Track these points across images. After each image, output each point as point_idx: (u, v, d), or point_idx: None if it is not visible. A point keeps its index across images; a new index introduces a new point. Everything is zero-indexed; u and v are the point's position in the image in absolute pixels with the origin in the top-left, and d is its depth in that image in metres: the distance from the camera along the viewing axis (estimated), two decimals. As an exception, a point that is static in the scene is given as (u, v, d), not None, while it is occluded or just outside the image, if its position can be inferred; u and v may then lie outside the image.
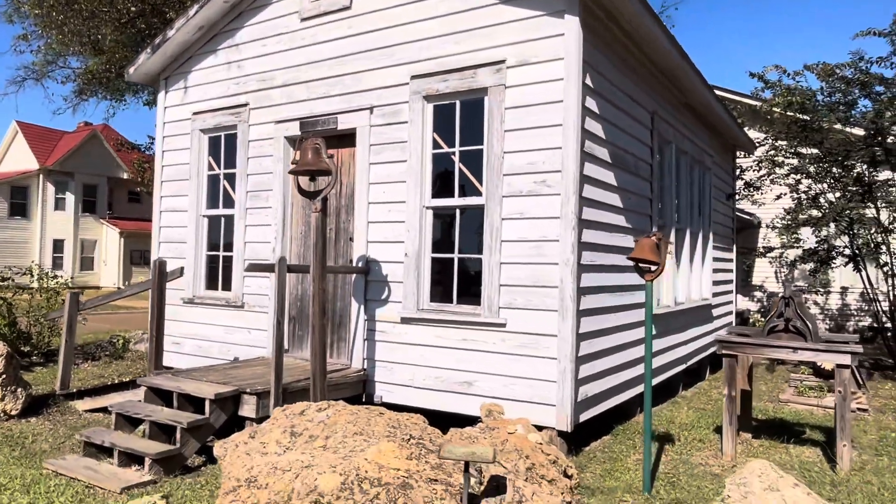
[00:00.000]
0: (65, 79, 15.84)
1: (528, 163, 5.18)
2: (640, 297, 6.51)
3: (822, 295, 15.15)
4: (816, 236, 10.21)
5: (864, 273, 10.38)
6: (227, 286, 7.07)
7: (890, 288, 9.98)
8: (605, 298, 5.63)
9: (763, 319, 15.24)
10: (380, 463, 2.77)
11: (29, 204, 30.58)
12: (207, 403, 4.88)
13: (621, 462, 5.03)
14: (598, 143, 5.48)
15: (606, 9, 5.40)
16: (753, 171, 11.18)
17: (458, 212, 5.66)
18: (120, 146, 20.83)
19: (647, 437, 4.33)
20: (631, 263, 6.15)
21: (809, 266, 10.57)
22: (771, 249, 12.33)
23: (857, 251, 10.22)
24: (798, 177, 10.28)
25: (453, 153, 5.66)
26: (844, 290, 15.14)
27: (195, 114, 7.33)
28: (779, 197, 11.76)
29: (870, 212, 9.69)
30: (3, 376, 5.86)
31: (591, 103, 5.32)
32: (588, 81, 5.21)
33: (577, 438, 5.42)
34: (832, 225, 9.70)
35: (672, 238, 7.49)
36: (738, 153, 11.96)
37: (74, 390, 6.63)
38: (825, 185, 10.22)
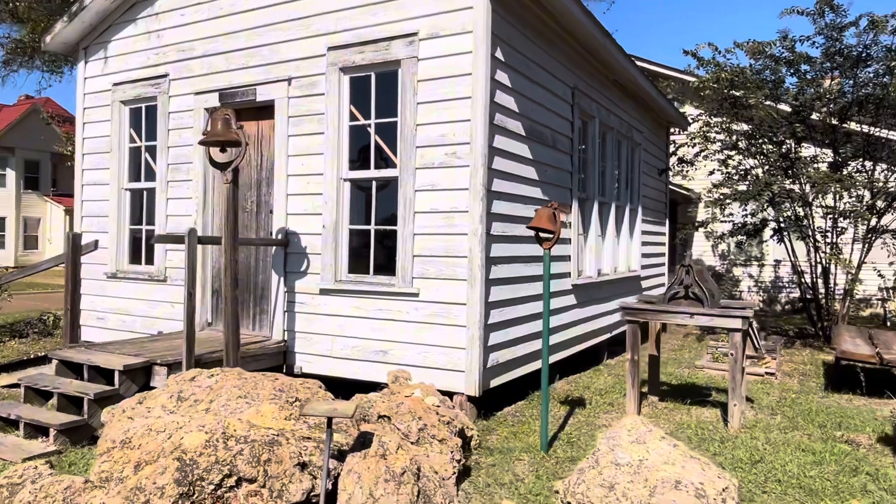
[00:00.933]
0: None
1: (439, 135, 5.25)
2: (558, 267, 6.70)
3: (756, 268, 15.70)
4: (743, 211, 10.58)
5: (789, 246, 10.82)
6: (150, 260, 7.01)
7: (814, 261, 10.42)
8: (518, 268, 5.78)
9: (700, 292, 15.77)
10: (253, 423, 2.85)
11: (-34, 181, 29.44)
12: (117, 375, 4.89)
13: (529, 425, 5.23)
14: (511, 116, 5.58)
15: (518, -18, 5.47)
16: (688, 146, 11.48)
17: (374, 184, 5.72)
18: (50, 120, 20.03)
19: (544, 401, 4.50)
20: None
21: (736, 240, 10.96)
22: (703, 224, 12.74)
23: (781, 225, 10.64)
24: (729, 152, 10.59)
25: (369, 125, 5.70)
26: (777, 263, 15.71)
27: (115, 85, 7.18)
28: (712, 172, 12.09)
29: (796, 186, 10.07)
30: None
31: (503, 77, 5.41)
32: (499, 55, 5.29)
33: (491, 403, 5.60)
34: (758, 199, 10.06)
35: (595, 211, 7.69)
36: (672, 129, 12.23)
37: (-8, 366, 6.53)
38: (755, 161, 10.57)
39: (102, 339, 7.04)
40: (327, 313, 5.76)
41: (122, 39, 7.17)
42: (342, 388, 5.31)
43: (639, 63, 15.71)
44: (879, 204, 10.20)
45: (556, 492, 3.30)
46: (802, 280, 11.02)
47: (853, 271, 10.07)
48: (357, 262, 5.80)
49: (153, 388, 5.11)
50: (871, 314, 14.35)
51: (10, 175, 30.46)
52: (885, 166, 10.37)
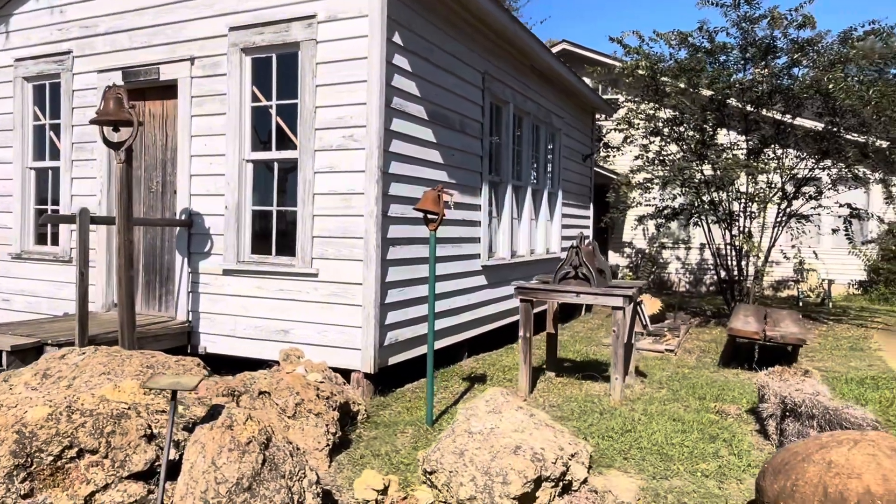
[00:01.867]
0: None
1: (337, 117, 5.33)
2: (467, 248, 6.88)
3: (683, 250, 16.28)
4: (660, 195, 10.98)
5: (706, 230, 11.28)
6: (56, 241, 6.90)
7: (728, 244, 10.90)
8: (420, 249, 5.93)
9: (630, 273, 16.29)
10: (107, 397, 2.92)
11: None
12: (4, 355, 4.85)
13: (424, 401, 5.40)
14: (412, 100, 5.69)
15: (417, -32, 5.56)
16: (616, 132, 11.79)
17: (276, 165, 5.77)
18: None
19: (429, 378, 4.68)
20: (452, 216, 6.49)
21: (654, 223, 11.38)
22: (627, 208, 13.14)
23: (696, 209, 11.07)
24: (652, 138, 10.93)
25: (271, 107, 5.73)
26: (703, 247, 16.31)
27: (17, 60, 6.99)
28: (637, 157, 12.48)
29: (709, 170, 10.48)
30: None
31: (402, 61, 5.50)
32: (397, 39, 5.38)
33: (393, 379, 5.76)
34: (672, 183, 10.46)
35: (509, 194, 7.88)
36: (598, 116, 12.53)
37: None
38: (677, 147, 10.95)
39: (7, 321, 6.91)
40: (230, 294, 5.81)
41: (24, 14, 6.97)
42: (248, 367, 5.38)
43: (572, 49, 16.03)
44: (789, 188, 10.72)
45: (418, 460, 3.48)
46: (718, 263, 11.52)
47: (762, 255, 10.59)
48: (260, 243, 5.85)
49: (45, 368, 5.09)
50: (788, 295, 15.08)
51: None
52: (795, 152, 10.87)
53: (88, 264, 5.09)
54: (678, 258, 16.39)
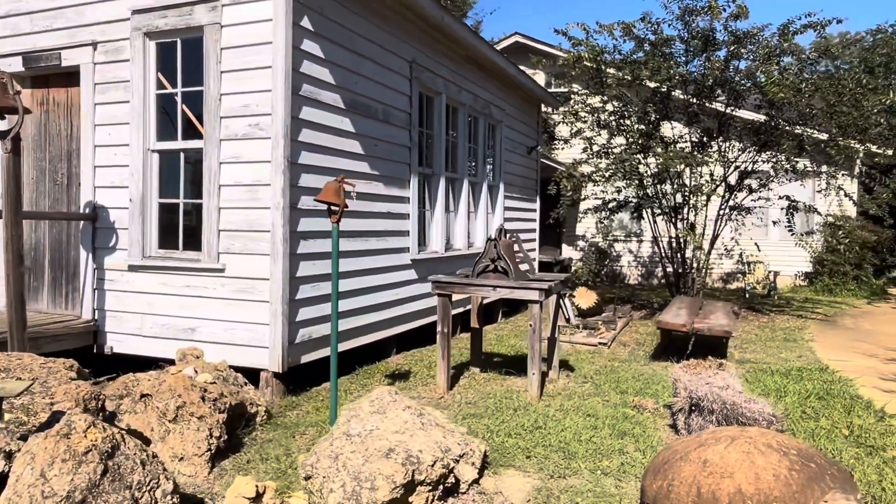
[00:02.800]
0: None
1: (243, 105, 5.09)
2: (394, 241, 6.70)
3: (635, 243, 16.33)
4: (603, 188, 10.92)
5: (651, 222, 11.28)
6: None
7: (672, 237, 10.90)
8: (340, 243, 5.71)
9: (583, 266, 16.29)
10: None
11: None
12: None
13: (338, 400, 5.22)
14: (326, 87, 5.48)
15: (329, -50, 5.34)
16: (565, 124, 11.69)
17: (182, 155, 5.51)
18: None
19: (333, 378, 4.49)
20: (377, 209, 6.31)
21: (599, 216, 11.34)
22: (573, 202, 13.09)
23: (640, 202, 11.07)
24: (599, 130, 10.85)
25: (177, 94, 5.46)
26: (655, 240, 16.37)
27: (-86, 45, 6.57)
28: (585, 150, 12.42)
29: (654, 163, 10.45)
30: None
31: (313, 47, 5.28)
32: (306, 24, 5.16)
33: (309, 378, 5.56)
34: (614, 177, 10.41)
35: (442, 186, 7.71)
36: (544, 108, 12.44)
37: None
38: (623, 140, 10.90)
39: None
40: (136, 290, 5.54)
41: (-79, -5, 6.55)
42: (156, 367, 5.13)
43: (525, 41, 15.92)
44: (732, 181, 10.76)
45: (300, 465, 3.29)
46: (663, 255, 11.54)
47: (704, 247, 10.62)
48: (168, 238, 5.59)
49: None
50: (737, 287, 15.23)
51: None
52: (739, 144, 10.90)
53: (-28, 261, 4.77)
54: (630, 251, 16.45)
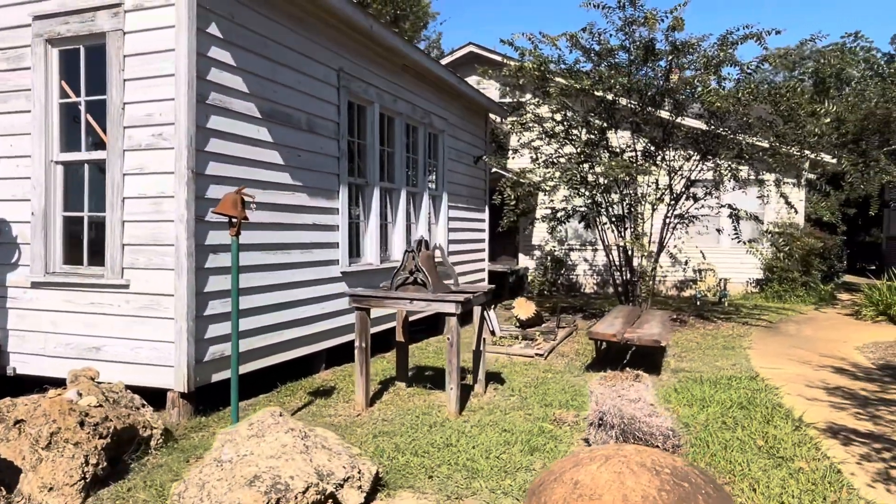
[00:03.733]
0: None
1: (146, 114, 4.90)
2: (321, 254, 6.54)
3: (591, 252, 16.36)
4: (551, 199, 10.89)
5: (600, 231, 11.27)
6: None
7: (619, 246, 10.90)
8: (255, 256, 5.54)
9: (540, 276, 16.26)
10: None
11: None
12: None
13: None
14: (238, 96, 5.31)
15: (239, -45, 5.19)
16: (515, 134, 11.64)
17: (87, 167, 5.28)
18: None
19: (233, 393, 4.31)
20: (302, 220, 6.15)
21: (549, 226, 11.31)
22: (526, 212, 13.09)
23: (585, 212, 11.06)
24: (549, 140, 10.81)
25: (80, 103, 5.25)
26: (615, 249, 16.43)
27: None
28: (534, 160, 12.39)
29: (599, 169, 10.42)
30: None
31: (223, 54, 5.12)
32: (213, 31, 5.00)
33: (224, 397, 5.34)
34: (557, 188, 10.40)
35: (376, 196, 7.57)
36: (494, 117, 12.40)
37: None
38: (570, 149, 10.88)
39: None
40: (40, 308, 5.29)
41: None
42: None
43: (479, 52, 15.91)
44: (677, 188, 10.80)
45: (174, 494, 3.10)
46: (612, 265, 11.54)
47: (651, 255, 10.63)
48: (73, 253, 5.35)
49: None
50: (690, 294, 15.32)
51: None
52: (684, 153, 10.95)
53: None
54: (586, 260, 16.47)
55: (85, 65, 5.20)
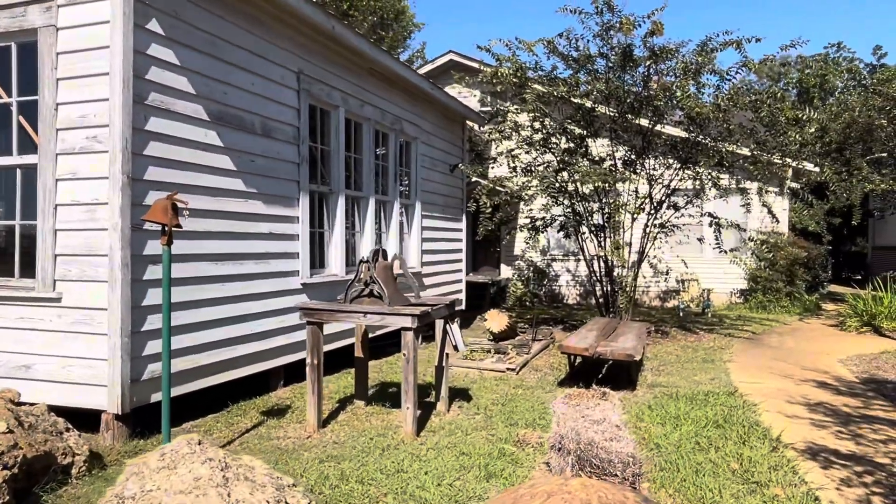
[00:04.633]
0: None
1: (80, 115, 4.58)
2: (279, 265, 6.22)
3: (573, 262, 16.09)
4: (530, 207, 10.63)
5: (580, 241, 11.01)
6: None
7: (599, 256, 10.62)
8: (202, 267, 5.21)
9: (522, 287, 15.96)
10: None
11: None
12: None
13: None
14: (183, 97, 5.00)
15: (183, -52, 4.90)
16: (494, 142, 11.37)
17: (19, 172, 4.94)
18: None
19: (164, 416, 3.97)
20: (257, 230, 5.83)
21: (525, 235, 11.03)
22: (506, 221, 12.82)
23: (564, 221, 10.80)
24: (527, 148, 10.54)
25: (12, 104, 4.92)
26: (595, 258, 16.18)
27: None
28: (514, 168, 12.12)
29: (577, 177, 10.15)
30: None
31: (165, 52, 4.81)
32: (154, 27, 4.70)
33: (173, 417, 4.99)
34: (535, 196, 10.14)
35: (341, 205, 7.25)
36: (472, 124, 12.14)
37: None
38: (550, 156, 10.63)
39: None
40: (-33, 324, 4.92)
41: None
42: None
43: (459, 59, 15.69)
44: (657, 196, 10.56)
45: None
46: (592, 275, 11.27)
47: (628, 266, 10.38)
48: (4, 264, 5.00)
49: None
50: (674, 305, 15.08)
51: None
52: (663, 161, 10.72)
53: None
54: (568, 270, 16.21)
55: (17, 63, 4.87)
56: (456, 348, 5.38)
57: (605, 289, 10.91)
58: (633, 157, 10.51)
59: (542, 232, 10.99)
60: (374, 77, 7.97)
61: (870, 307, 10.95)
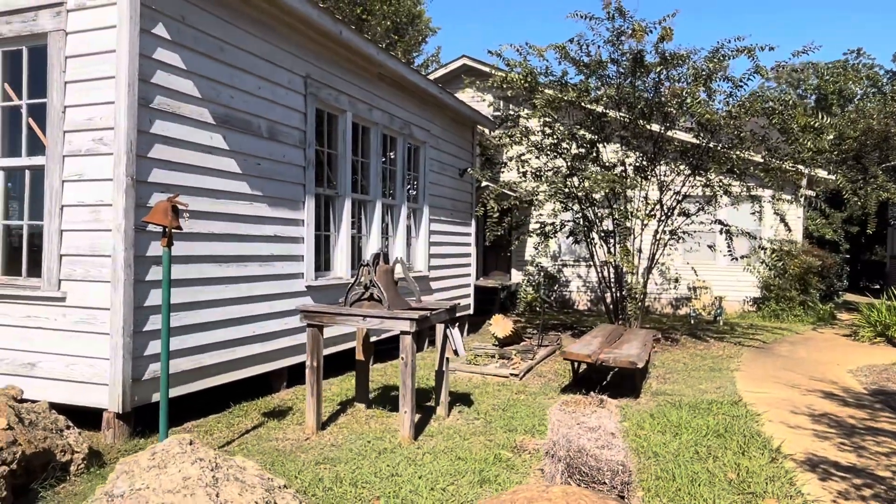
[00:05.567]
0: None
1: (87, 118, 4.66)
2: (283, 267, 6.27)
3: (584, 268, 16.02)
4: (539, 213, 10.60)
5: (589, 246, 10.96)
6: None
7: (609, 262, 10.57)
8: (204, 269, 5.27)
9: (532, 292, 15.91)
10: None
11: None
12: None
13: (190, 442, 4.72)
14: (188, 101, 5.06)
15: (190, -46, 4.97)
16: (504, 147, 11.36)
17: (28, 173, 5.04)
18: None
19: (162, 415, 4.02)
20: (262, 232, 5.88)
21: (535, 241, 11.00)
22: (518, 226, 12.81)
23: (574, 226, 10.76)
24: (537, 153, 10.53)
25: (22, 107, 5.02)
26: (605, 264, 16.10)
27: None
28: (524, 173, 12.10)
29: (586, 183, 10.13)
30: None
31: (171, 56, 4.88)
32: (161, 32, 4.77)
33: (170, 417, 5.05)
34: (546, 202, 10.11)
35: (347, 208, 7.30)
36: (482, 129, 12.15)
37: None
38: (561, 162, 10.60)
39: None
40: (-25, 321, 5.02)
41: None
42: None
43: (472, 64, 15.70)
44: (668, 203, 10.48)
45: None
46: (602, 281, 11.22)
47: (638, 272, 10.31)
48: (12, 263, 5.10)
49: None
50: (685, 312, 14.96)
51: None
52: (673, 167, 10.66)
53: None
54: (579, 276, 16.14)
55: (28, 66, 4.97)
56: (456, 353, 5.36)
57: (614, 295, 10.85)
58: (643, 163, 10.46)
59: (552, 237, 10.95)
60: (382, 81, 8.02)
61: (884, 317, 10.79)
